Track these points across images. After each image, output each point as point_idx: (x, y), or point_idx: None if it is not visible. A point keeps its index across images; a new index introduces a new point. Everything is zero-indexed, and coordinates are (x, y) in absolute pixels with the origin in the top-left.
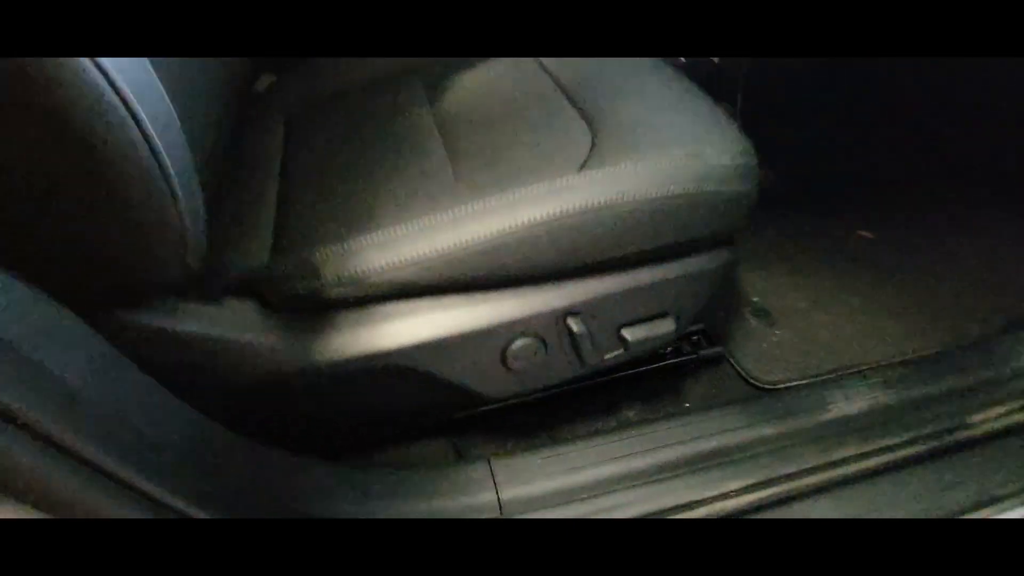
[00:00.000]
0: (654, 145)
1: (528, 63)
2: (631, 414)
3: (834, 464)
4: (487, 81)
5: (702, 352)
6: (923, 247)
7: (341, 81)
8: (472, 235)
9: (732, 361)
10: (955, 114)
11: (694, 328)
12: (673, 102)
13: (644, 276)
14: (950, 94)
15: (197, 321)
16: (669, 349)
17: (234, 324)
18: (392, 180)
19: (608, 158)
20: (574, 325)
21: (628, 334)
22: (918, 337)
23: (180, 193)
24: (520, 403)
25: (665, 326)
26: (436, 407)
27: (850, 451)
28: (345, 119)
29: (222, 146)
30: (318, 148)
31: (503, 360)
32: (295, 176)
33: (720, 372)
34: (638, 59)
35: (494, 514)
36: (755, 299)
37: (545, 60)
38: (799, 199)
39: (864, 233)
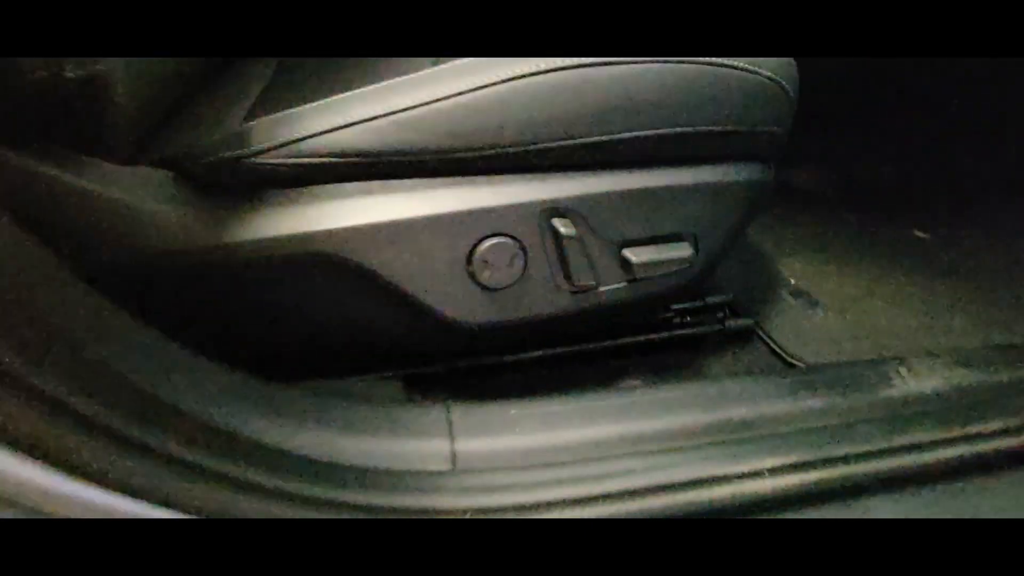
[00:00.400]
0: None
1: None
2: (636, 383)
3: (905, 449)
4: None
5: (729, 323)
6: (983, 248)
7: None
8: (436, 93)
9: (766, 337)
10: (1004, 114)
11: (720, 299)
12: None
13: (654, 178)
14: (1000, 94)
15: (97, 178)
16: (688, 319)
17: (140, 189)
18: (376, 66)
19: None
20: (561, 226)
21: (632, 255)
22: (996, 328)
23: None
24: (497, 363)
25: (679, 251)
26: (385, 329)
27: (925, 436)
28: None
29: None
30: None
31: (469, 266)
32: (282, 75)
33: (750, 350)
34: None
35: (442, 466)
36: (793, 281)
37: None
38: (847, 199)
39: (919, 233)
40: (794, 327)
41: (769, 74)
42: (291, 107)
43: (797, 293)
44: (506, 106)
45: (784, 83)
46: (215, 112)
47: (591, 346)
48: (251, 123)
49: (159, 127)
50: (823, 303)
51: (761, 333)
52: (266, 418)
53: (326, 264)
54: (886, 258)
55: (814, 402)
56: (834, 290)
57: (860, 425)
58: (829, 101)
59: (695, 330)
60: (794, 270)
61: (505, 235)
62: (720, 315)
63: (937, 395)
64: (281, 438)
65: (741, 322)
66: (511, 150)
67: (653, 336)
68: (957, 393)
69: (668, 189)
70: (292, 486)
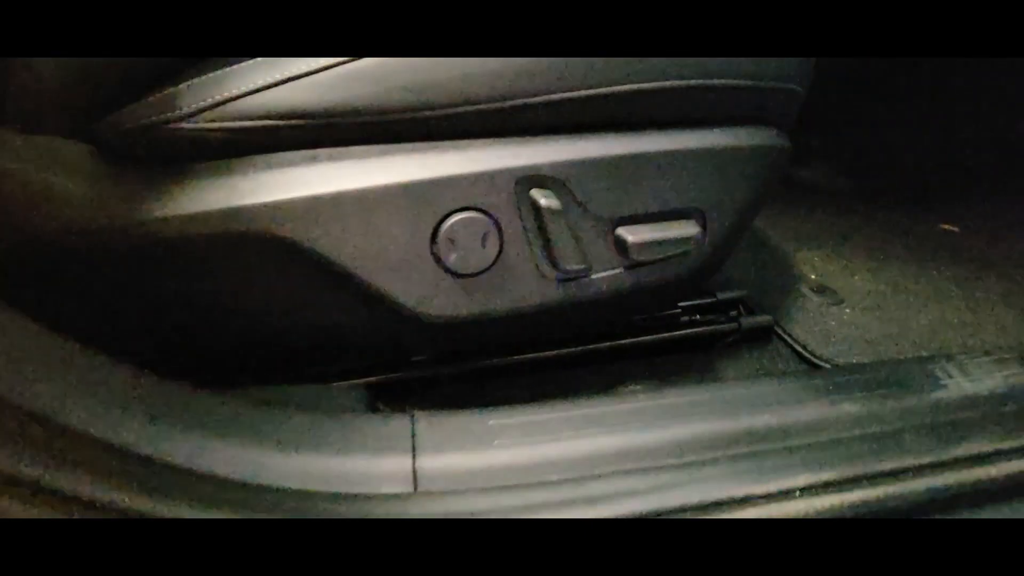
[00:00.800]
0: None
1: None
2: (638, 388)
3: (964, 462)
4: None
5: (745, 321)
6: (1019, 239)
7: None
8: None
9: (787, 337)
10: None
11: (733, 295)
12: None
13: (652, 142)
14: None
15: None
16: (697, 316)
17: (44, 161)
18: None
19: None
20: (542, 198)
21: (628, 234)
22: None
23: None
24: (477, 368)
25: (684, 230)
26: (336, 324)
27: (987, 445)
28: None
29: None
30: None
31: (433, 246)
32: None
33: (769, 351)
34: None
35: (402, 488)
36: (814, 276)
37: None
38: (865, 194)
39: (948, 226)
40: (819, 325)
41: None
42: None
43: (819, 289)
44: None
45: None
46: (144, 77)
47: (586, 348)
48: (174, 87)
49: (77, 95)
50: (848, 299)
51: (781, 332)
52: (179, 432)
53: (262, 244)
54: (915, 252)
55: (851, 407)
56: (861, 286)
57: (907, 434)
58: (844, 93)
59: (706, 329)
60: (814, 266)
61: (475, 209)
62: (734, 312)
63: (996, 396)
64: (199, 457)
65: (758, 319)
66: (483, 107)
67: (658, 336)
68: (1019, 393)
69: (670, 155)
70: (208, 513)
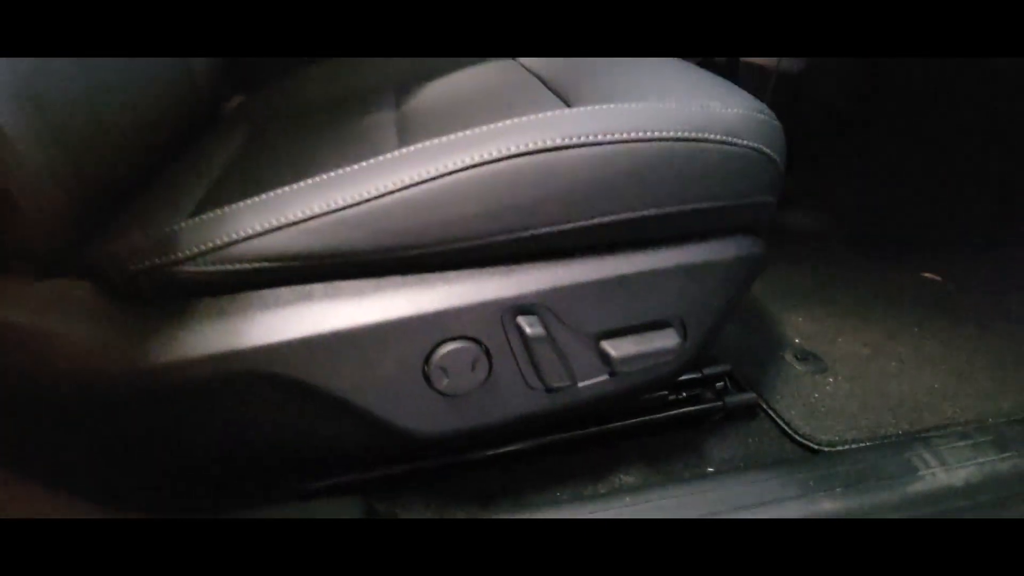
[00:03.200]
0: (647, 95)
1: (508, 63)
2: (629, 479)
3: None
4: (462, 77)
5: (730, 399)
6: (1001, 289)
7: (312, 96)
8: (380, 187)
9: (772, 413)
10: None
11: (719, 370)
12: (667, 71)
13: (632, 263)
14: (1007, 126)
15: (4, 303)
16: (684, 395)
17: (49, 309)
18: (324, 156)
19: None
20: (527, 326)
21: (611, 348)
22: None
23: None
24: (466, 460)
25: (665, 341)
26: (334, 442)
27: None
28: (308, 127)
29: (173, 152)
30: (270, 148)
31: (425, 375)
32: (231, 173)
33: (755, 428)
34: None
35: None
36: (798, 341)
37: (527, 61)
38: (849, 239)
39: (930, 275)
40: (802, 399)
41: (750, 144)
42: (216, 207)
43: (803, 355)
44: (459, 199)
45: (768, 150)
46: (141, 219)
47: (575, 434)
48: (175, 227)
49: (75, 237)
50: (832, 367)
51: (766, 408)
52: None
53: (260, 381)
54: (897, 306)
55: (828, 503)
56: (843, 350)
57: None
58: (827, 137)
59: (692, 409)
60: (798, 327)
61: (465, 338)
62: (720, 384)
63: (971, 487)
64: None
65: (743, 397)
66: (466, 244)
67: (646, 418)
68: (992, 483)
69: (650, 273)
70: None
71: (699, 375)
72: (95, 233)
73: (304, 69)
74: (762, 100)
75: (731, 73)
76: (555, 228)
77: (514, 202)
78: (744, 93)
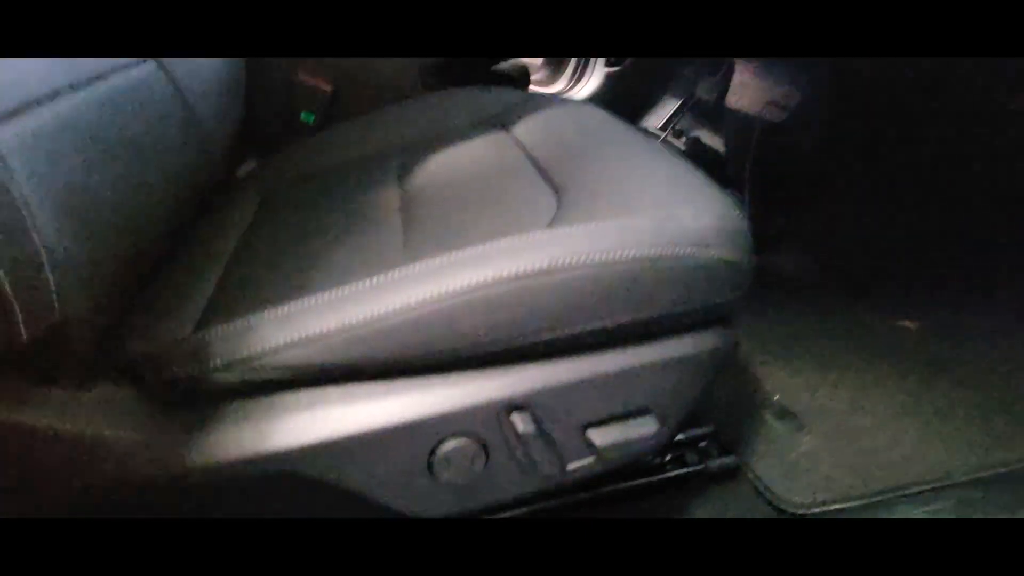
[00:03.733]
0: (619, 206)
1: (502, 136)
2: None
3: None
4: (459, 154)
5: (711, 463)
6: (977, 338)
7: (320, 162)
8: (388, 307)
9: (751, 475)
10: (993, 194)
11: (702, 432)
12: (647, 165)
13: (613, 361)
14: (985, 177)
15: (49, 411)
16: (669, 458)
17: (96, 415)
18: (331, 251)
19: (573, 218)
20: (520, 423)
21: (596, 436)
22: (997, 446)
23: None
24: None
25: (645, 427)
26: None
27: None
28: (315, 195)
29: (191, 224)
30: (280, 225)
31: (429, 468)
32: (245, 253)
33: (735, 490)
34: (619, 128)
35: None
36: (777, 398)
37: (518, 132)
38: (827, 286)
39: (906, 323)
40: (781, 460)
41: (719, 255)
42: (242, 314)
43: (782, 414)
44: (458, 317)
45: (736, 257)
46: (169, 313)
47: (561, 502)
48: (206, 334)
49: (113, 335)
50: (809, 424)
51: (748, 473)
52: None
53: (284, 479)
54: (872, 356)
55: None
56: (820, 404)
57: None
58: (808, 184)
59: (677, 473)
60: (778, 381)
61: (465, 434)
62: (703, 445)
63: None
64: None
65: (724, 461)
66: (466, 353)
67: (629, 484)
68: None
69: (627, 370)
70: None
71: (683, 437)
72: (127, 325)
73: (311, 137)
74: (747, 147)
75: (718, 115)
76: (543, 337)
77: (507, 318)
78: (714, 192)
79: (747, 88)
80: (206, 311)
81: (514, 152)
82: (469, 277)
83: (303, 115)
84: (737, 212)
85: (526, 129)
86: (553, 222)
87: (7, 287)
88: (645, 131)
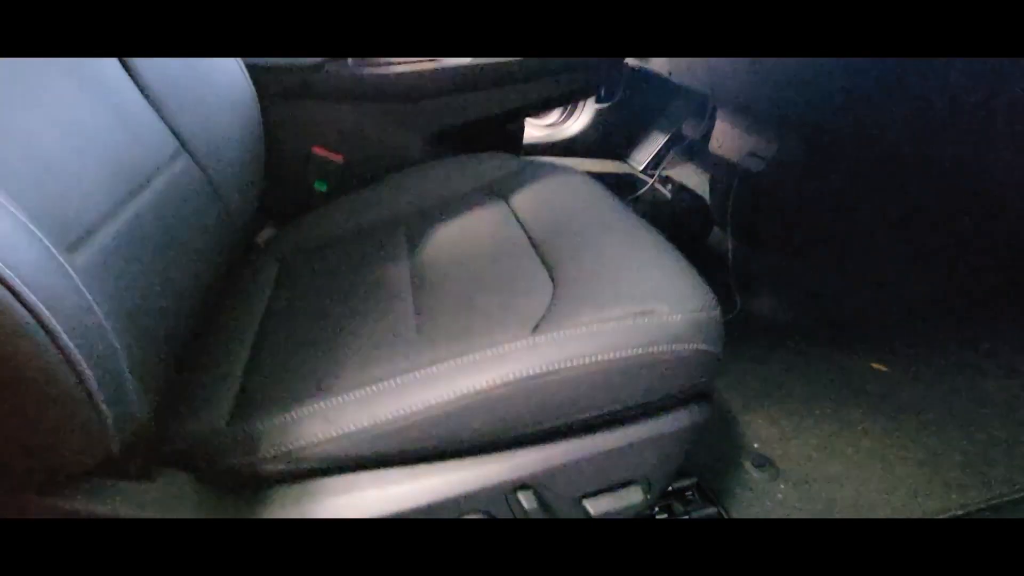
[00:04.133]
0: (609, 301)
1: (504, 216)
2: None
3: None
4: (463, 227)
5: (694, 514)
6: (945, 381)
7: (333, 229)
8: (411, 406)
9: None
10: (967, 239)
11: (687, 483)
12: (633, 253)
13: (603, 442)
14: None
15: (120, 502)
16: (657, 508)
17: (162, 504)
18: (357, 336)
19: (563, 316)
20: (525, 501)
21: (591, 506)
22: (951, 491)
23: (95, 388)
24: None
25: (632, 496)
26: None
27: None
28: (331, 267)
29: (216, 293)
30: (300, 297)
31: None
32: (270, 329)
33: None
34: (606, 205)
35: None
36: (756, 446)
37: (516, 204)
38: (803, 328)
39: (877, 365)
40: (758, 508)
41: (694, 346)
42: (281, 407)
43: (760, 462)
44: (470, 414)
45: (709, 347)
46: (206, 402)
47: None
48: (250, 426)
49: (170, 417)
50: (785, 471)
51: (728, 518)
52: None
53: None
54: (844, 400)
55: None
56: (795, 452)
57: None
58: (784, 229)
59: (662, 518)
60: (756, 430)
61: (479, 511)
62: (689, 495)
63: None
64: None
65: (706, 512)
66: (478, 442)
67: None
68: None
69: (618, 449)
70: None
71: (669, 488)
72: (171, 413)
73: (325, 206)
74: (729, 192)
75: (704, 155)
76: (543, 426)
77: (512, 413)
78: (690, 281)
79: (727, 136)
80: (240, 397)
81: (514, 231)
82: (479, 380)
83: (316, 183)
84: (711, 300)
85: (523, 201)
86: (548, 314)
87: (100, 402)
88: (633, 187)
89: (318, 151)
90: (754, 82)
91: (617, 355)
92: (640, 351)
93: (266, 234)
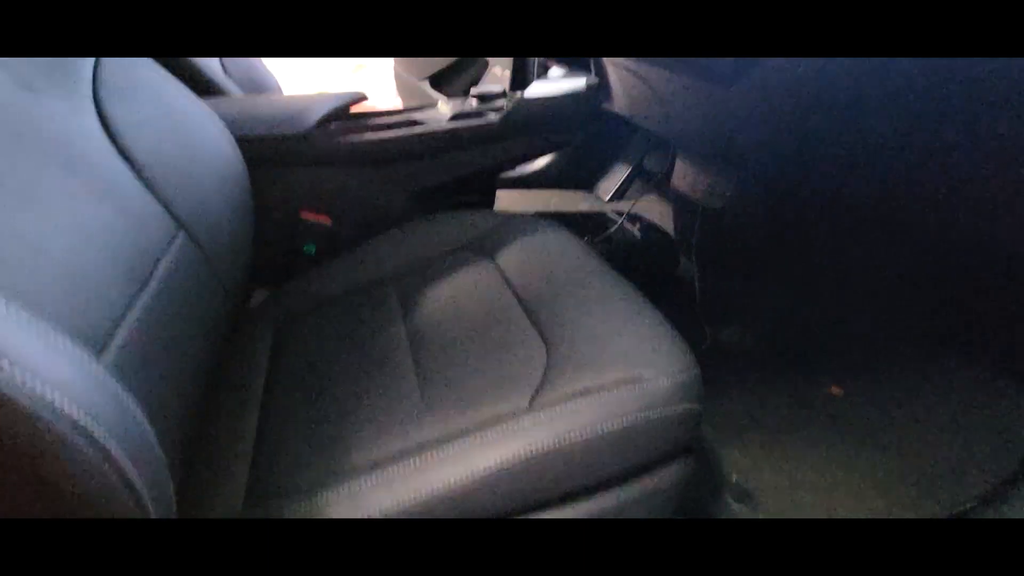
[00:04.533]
0: (600, 367)
1: (493, 276)
2: None
3: None
4: (454, 295)
5: None
6: (898, 403)
7: (325, 292)
8: (435, 484)
9: None
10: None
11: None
12: (616, 314)
13: (602, 503)
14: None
15: None
16: None
17: None
18: (362, 405)
19: (559, 384)
20: None
21: None
22: (909, 511)
23: (147, 502)
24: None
25: None
26: None
27: None
28: (327, 332)
29: (213, 363)
30: (300, 366)
31: None
32: (274, 403)
33: None
34: (586, 263)
35: None
36: (736, 478)
37: (507, 271)
38: (767, 356)
39: (834, 389)
40: None
41: (683, 407)
42: (295, 490)
43: (740, 495)
44: (478, 489)
45: (693, 404)
46: (216, 484)
47: None
48: (266, 509)
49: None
50: (762, 503)
51: None
52: None
53: None
54: (808, 426)
55: None
56: (769, 482)
57: None
58: (746, 261)
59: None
60: (733, 461)
61: None
62: None
63: None
64: None
65: None
66: (486, 514)
67: None
68: None
69: (615, 508)
70: None
71: None
72: (184, 495)
73: (316, 268)
74: (692, 228)
75: (667, 189)
76: (546, 495)
77: (516, 488)
78: (671, 343)
79: (688, 174)
80: (251, 478)
81: (503, 291)
82: (485, 461)
83: (305, 247)
84: (691, 360)
85: (508, 259)
86: (546, 381)
87: (147, 505)
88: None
89: (306, 215)
90: (711, 128)
91: (614, 425)
92: (634, 417)
93: (257, 297)
